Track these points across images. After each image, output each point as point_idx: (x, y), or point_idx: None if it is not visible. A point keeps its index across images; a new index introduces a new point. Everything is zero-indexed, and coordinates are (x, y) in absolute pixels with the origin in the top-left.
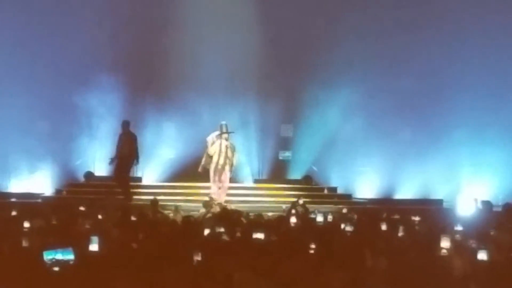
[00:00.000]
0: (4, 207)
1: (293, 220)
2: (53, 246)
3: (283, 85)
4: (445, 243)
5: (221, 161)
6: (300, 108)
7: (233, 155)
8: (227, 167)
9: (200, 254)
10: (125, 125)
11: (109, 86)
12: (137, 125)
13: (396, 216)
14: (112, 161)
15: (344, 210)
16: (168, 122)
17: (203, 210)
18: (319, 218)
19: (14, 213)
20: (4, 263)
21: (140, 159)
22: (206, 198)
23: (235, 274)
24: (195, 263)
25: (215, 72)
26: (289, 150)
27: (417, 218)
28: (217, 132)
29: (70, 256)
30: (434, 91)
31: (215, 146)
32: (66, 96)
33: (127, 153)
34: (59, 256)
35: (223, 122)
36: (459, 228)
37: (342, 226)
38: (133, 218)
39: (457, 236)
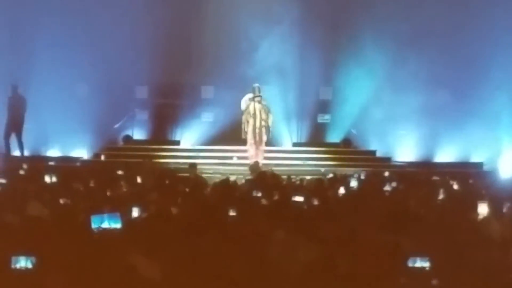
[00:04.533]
0: (43, 170)
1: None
2: (100, 211)
3: (323, 47)
4: (483, 208)
5: (257, 124)
6: (339, 70)
7: (267, 116)
8: (263, 129)
9: (237, 215)
10: (14, 88)
11: (147, 50)
12: (175, 89)
13: (435, 178)
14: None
15: (386, 173)
16: (206, 85)
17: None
18: (353, 183)
19: (53, 178)
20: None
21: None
22: (248, 162)
23: (272, 235)
24: (232, 225)
25: (254, 34)
26: (328, 113)
27: (456, 182)
28: (250, 95)
29: (118, 225)
30: (475, 52)
31: (250, 109)
32: (104, 60)
33: (17, 117)
34: (106, 224)
35: (256, 85)
36: (498, 191)
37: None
38: (171, 182)
39: (497, 200)
